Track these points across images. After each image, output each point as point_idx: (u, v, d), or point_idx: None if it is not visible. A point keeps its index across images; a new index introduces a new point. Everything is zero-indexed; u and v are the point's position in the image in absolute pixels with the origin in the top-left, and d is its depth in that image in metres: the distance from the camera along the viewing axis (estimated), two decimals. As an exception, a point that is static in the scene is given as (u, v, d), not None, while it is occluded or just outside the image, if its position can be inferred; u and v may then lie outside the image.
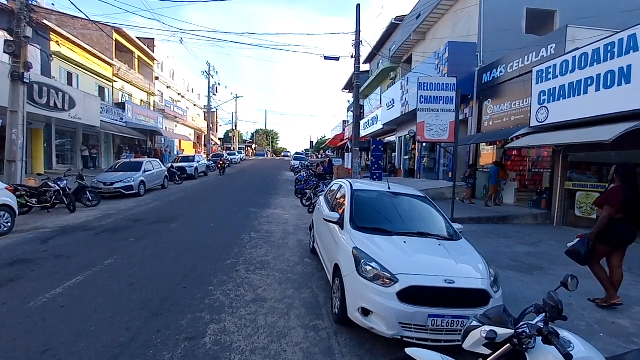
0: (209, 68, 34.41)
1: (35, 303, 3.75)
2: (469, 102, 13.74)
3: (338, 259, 3.70)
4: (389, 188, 4.67)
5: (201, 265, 5.23)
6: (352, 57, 12.90)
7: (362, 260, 3.24)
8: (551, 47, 10.25)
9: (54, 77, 16.71)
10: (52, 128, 17.33)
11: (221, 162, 23.18)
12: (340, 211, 4.62)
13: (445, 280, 2.96)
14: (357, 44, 12.55)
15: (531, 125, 9.69)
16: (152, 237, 6.83)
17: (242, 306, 3.89)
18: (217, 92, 36.67)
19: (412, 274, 3.02)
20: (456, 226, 4.26)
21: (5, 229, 6.73)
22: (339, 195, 5.08)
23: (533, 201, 11.16)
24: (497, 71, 12.48)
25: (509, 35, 13.17)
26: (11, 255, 5.45)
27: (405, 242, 3.54)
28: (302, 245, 6.68)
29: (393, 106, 18.95)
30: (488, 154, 13.86)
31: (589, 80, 7.91)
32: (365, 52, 23.46)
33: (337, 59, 13.07)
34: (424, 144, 17.83)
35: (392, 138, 23.89)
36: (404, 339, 2.91)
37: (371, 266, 3.18)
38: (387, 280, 3.03)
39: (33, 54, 14.22)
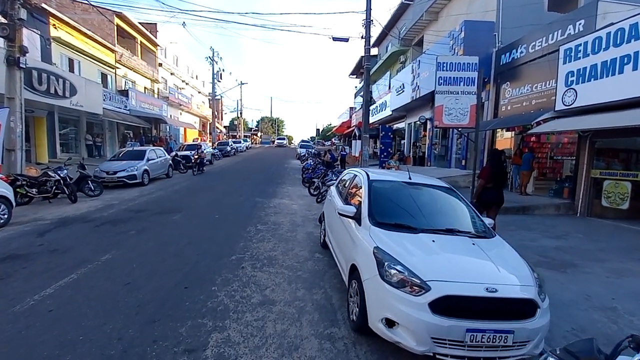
0: (213, 53, 33.66)
1: (21, 306, 3.41)
2: (485, 86, 12.99)
3: (355, 259, 3.27)
4: (410, 178, 4.18)
5: (204, 261, 4.85)
6: (362, 37, 12.18)
7: (386, 263, 2.80)
8: (579, 24, 9.47)
9: (55, 64, 16.28)
10: (55, 116, 17.01)
11: (197, 156, 16.23)
12: (354, 201, 4.18)
13: (487, 289, 2.51)
14: (368, 23, 11.81)
15: (556, 109, 9.03)
16: (154, 230, 6.48)
17: (248, 310, 3.50)
18: (221, 78, 35.99)
19: (447, 281, 2.57)
20: (486, 221, 3.78)
21: (2, 221, 6.43)
22: (352, 186, 4.62)
23: (554, 190, 10.58)
24: (517, 52, 11.71)
25: (530, 13, 12.32)
26: (5, 249, 5.14)
27: (433, 240, 3.08)
28: (311, 238, 6.28)
29: (403, 91, 18.22)
30: (505, 140, 13.21)
31: (626, 59, 7.21)
32: (374, 33, 22.39)
33: (346, 39, 12.37)
34: (435, 130, 17.18)
35: (401, 125, 23.18)
36: (437, 356, 2.49)
37: (396, 269, 2.74)
38: (416, 288, 2.59)
39: (32, 39, 13.80)
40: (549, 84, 10.20)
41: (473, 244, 3.15)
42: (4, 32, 8.97)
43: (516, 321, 2.51)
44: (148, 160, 12.96)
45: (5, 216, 6.53)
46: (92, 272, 4.32)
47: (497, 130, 12.80)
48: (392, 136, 22.02)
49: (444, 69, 7.04)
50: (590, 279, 4.66)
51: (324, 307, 3.65)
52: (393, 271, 2.75)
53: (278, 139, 56.44)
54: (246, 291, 3.94)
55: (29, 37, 13.63)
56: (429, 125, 17.73)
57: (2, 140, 8.54)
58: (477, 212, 3.93)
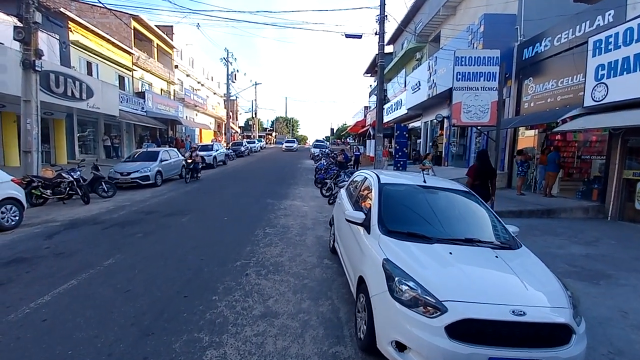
0: (227, 54, 33.89)
1: (16, 315, 3.30)
2: (507, 82, 12.37)
3: (363, 270, 2.98)
4: (424, 181, 3.85)
5: (208, 267, 4.67)
6: (375, 33, 11.80)
7: (396, 278, 2.50)
8: (609, 15, 8.81)
9: (74, 67, 16.66)
10: (73, 118, 17.43)
11: (190, 160, 13.83)
12: (364, 204, 3.88)
13: (513, 312, 2.18)
14: (382, 19, 11.42)
15: (585, 105, 8.42)
16: (161, 232, 6.37)
17: (248, 323, 3.27)
18: (235, 79, 36.21)
19: (466, 302, 2.25)
20: (510, 228, 3.41)
21: (13, 222, 6.47)
22: (363, 190, 4.32)
23: (581, 192, 9.92)
24: (540, 45, 11.06)
25: (554, 4, 11.62)
26: (11, 252, 5.12)
27: (451, 253, 2.76)
28: (320, 243, 6.01)
29: (419, 89, 17.70)
30: (527, 139, 12.54)
31: (664, 49, 6.59)
32: (389, 29, 21.77)
33: (360, 36, 12.02)
34: (453, 129, 16.59)
35: (417, 123, 22.61)
36: (454, 387, 2.18)
37: (408, 286, 2.44)
38: (430, 308, 2.28)
39: (51, 43, 14.13)
40: (576, 79, 9.56)
41: (496, 256, 2.81)
42: (19, 36, 9.11)
43: (547, 349, 2.17)
44: (161, 161, 13.02)
45: (17, 218, 6.57)
46: (93, 278, 4.21)
47: (519, 128, 12.18)
48: (407, 135, 21.46)
49: (463, 63, 6.60)
50: (627, 293, 4.19)
51: (330, 321, 3.38)
52: (404, 287, 2.45)
53: (287, 141, 40.74)
54: (248, 301, 3.72)
55: (48, 42, 13.98)
56: (446, 124, 17.15)
57: None
58: (499, 218, 3.56)
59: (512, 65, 11.95)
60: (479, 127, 7.38)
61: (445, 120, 16.89)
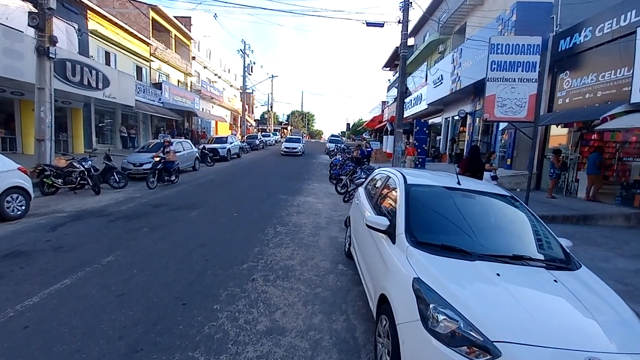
0: (244, 46, 33.60)
1: (-2, 318, 2.99)
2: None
3: (387, 288, 2.50)
4: (459, 182, 3.31)
5: (212, 269, 4.28)
6: (398, 22, 11.11)
7: (432, 305, 2.01)
8: (662, 1, 7.90)
9: (92, 56, 16.67)
10: (91, 108, 17.50)
11: (157, 159, 10.36)
12: (385, 204, 3.38)
13: (590, 361, 1.65)
14: (406, 5, 10.72)
15: (632, 101, 7.59)
16: (167, 228, 6.05)
17: (250, 341, 2.85)
18: (252, 71, 35.93)
19: (527, 345, 1.74)
20: (563, 242, 2.85)
21: (19, 212, 6.28)
22: (385, 190, 3.82)
23: (621, 197, 9.07)
24: (579, 36, 10.16)
25: (595, -8, 10.64)
26: (10, 245, 4.88)
27: (498, 274, 2.23)
28: (335, 245, 5.55)
29: (441, 83, 16.88)
30: (559, 137, 11.68)
31: None
32: (412, 18, 20.57)
33: (382, 24, 11.35)
34: (476, 125, 15.75)
35: (437, 119, 21.73)
36: None
37: (446, 316, 1.94)
38: (476, 350, 1.78)
39: (69, 32, 14.10)
40: (620, 73, 8.68)
41: (555, 280, 2.26)
42: (33, 22, 8.95)
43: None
44: (174, 153, 12.79)
45: (23, 207, 6.39)
46: (88, 278, 3.89)
47: (550, 126, 11.30)
48: (427, 131, 20.69)
49: (498, 51, 5.92)
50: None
51: (345, 343, 2.92)
52: (441, 317, 1.95)
53: (288, 140, 26.67)
54: (252, 313, 3.30)
55: (66, 31, 13.93)
56: (468, 120, 16.30)
57: None
58: (549, 229, 3.00)
59: (547, 57, 11.05)
60: (513, 124, 6.69)
61: (469, 116, 16.05)
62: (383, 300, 2.54)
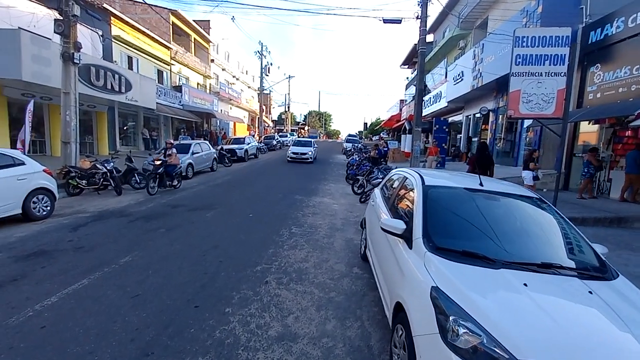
0: (262, 47, 33.89)
1: (17, 318, 3.06)
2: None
3: (403, 297, 2.36)
4: (481, 184, 3.11)
5: (226, 271, 4.26)
6: (417, 18, 10.82)
7: (452, 317, 1.86)
8: None
9: (116, 61, 17.23)
10: (115, 111, 18.09)
11: (158, 163, 9.58)
12: (404, 209, 3.23)
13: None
14: (425, 0, 10.42)
15: (672, 94, 7.03)
16: (184, 228, 6.10)
17: (262, 347, 2.78)
18: (269, 72, 36.21)
19: (559, 366, 1.56)
20: (597, 248, 2.62)
21: (44, 212, 6.51)
22: (401, 191, 3.66)
23: (660, 198, 8.44)
24: (611, 27, 9.54)
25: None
26: (34, 244, 5.04)
27: (525, 284, 2.05)
28: (350, 247, 5.42)
29: (462, 79, 16.37)
30: (589, 135, 11.03)
31: None
32: (431, 13, 20.05)
33: (399, 21, 11.09)
34: (499, 123, 15.18)
35: (457, 117, 21.13)
36: None
37: (467, 329, 1.79)
38: (501, 367, 1.62)
39: (94, 39, 14.61)
40: (658, 64, 8.09)
41: (589, 291, 2.06)
42: (59, 29, 9.29)
43: None
44: (193, 153, 13.04)
45: (48, 208, 6.61)
46: (105, 278, 3.94)
47: (579, 122, 10.69)
48: (447, 130, 20.18)
49: (524, 44, 5.58)
50: None
51: (359, 351, 2.80)
52: (462, 330, 1.80)
53: (296, 143, 21.51)
54: (264, 317, 3.23)
55: (91, 37, 14.46)
56: (491, 118, 15.73)
57: (28, 127, 9.94)
58: (581, 233, 2.76)
59: (576, 50, 10.47)
60: (540, 120, 6.31)
61: (491, 113, 15.49)
62: (399, 309, 2.40)
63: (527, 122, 12.28)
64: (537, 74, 5.69)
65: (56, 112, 14.17)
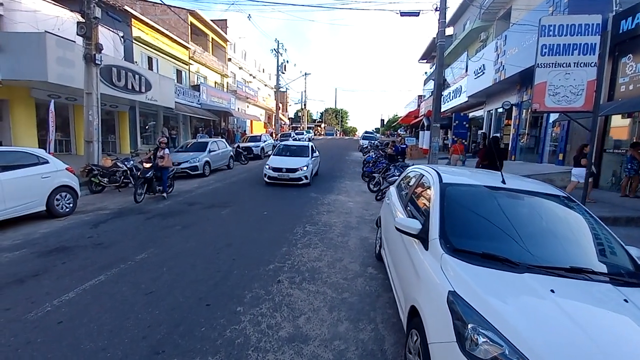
0: (278, 45, 33.97)
1: (36, 313, 3.13)
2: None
3: (418, 300, 2.24)
4: (503, 181, 2.93)
5: (238, 269, 4.24)
6: (436, 9, 10.47)
7: (470, 325, 1.73)
8: None
9: (136, 62, 17.67)
10: (136, 111, 18.57)
11: (149, 164, 8.46)
12: (420, 208, 3.09)
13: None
14: (444, -9, 10.06)
15: None
16: (199, 226, 6.15)
17: (272, 348, 2.72)
18: (285, 70, 36.26)
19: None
20: (633, 251, 2.40)
21: (67, 209, 6.72)
22: (418, 189, 3.52)
23: (701, 196, 7.84)
24: (646, 13, 8.93)
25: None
26: (56, 240, 5.20)
27: (552, 290, 1.89)
28: (365, 246, 5.31)
29: (483, 73, 15.80)
30: (619, 130, 10.40)
31: None
32: (450, 5, 19.46)
33: (417, 13, 10.77)
34: (523, 118, 14.56)
35: (478, 113, 20.44)
36: None
37: (487, 338, 1.66)
38: (525, 383, 1.48)
39: (115, 40, 15.03)
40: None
41: (625, 299, 1.88)
42: (81, 31, 9.57)
43: None
44: (210, 151, 13.20)
45: (71, 205, 6.83)
46: (121, 275, 4.00)
47: (610, 116, 10.08)
48: (467, 126, 19.57)
49: (550, 33, 5.22)
50: None
51: (372, 356, 2.69)
52: (481, 339, 1.67)
53: (280, 151, 11.95)
54: (276, 317, 3.17)
55: (113, 39, 14.87)
56: (514, 113, 15.12)
57: (53, 127, 10.14)
58: (614, 235, 2.55)
59: (607, 39, 9.86)
60: (567, 114, 5.93)
61: (514, 108, 14.88)
62: (414, 313, 2.28)
63: (552, 117, 11.71)
64: (564, 65, 5.34)
65: (80, 112, 14.64)
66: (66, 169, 6.84)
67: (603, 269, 2.22)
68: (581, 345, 1.57)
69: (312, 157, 11.51)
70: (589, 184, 6.20)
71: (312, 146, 12.47)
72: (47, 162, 6.51)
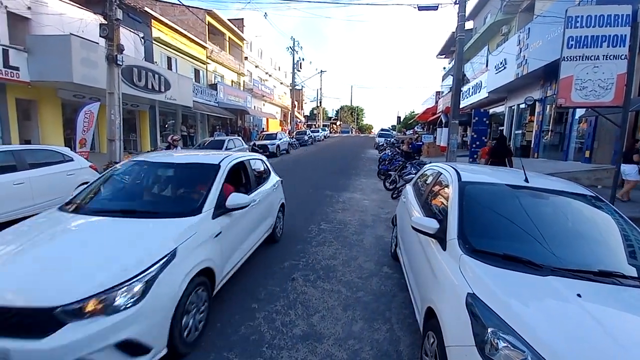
0: (294, 43, 34.03)
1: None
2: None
3: (434, 302, 2.18)
4: (526, 180, 2.81)
5: (254, 266, 4.27)
6: (455, 3, 10.16)
7: (490, 329, 1.67)
8: None
9: (156, 62, 18.10)
10: (155, 110, 19.05)
11: None
12: (437, 207, 3.01)
13: None
14: (463, -16, 9.77)
15: None
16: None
17: (286, 346, 2.72)
18: (301, 68, 36.31)
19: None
20: (668, 256, 2.24)
21: (91, 205, 6.95)
22: (435, 188, 3.43)
23: None
24: (684, 0, 8.37)
25: None
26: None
27: (579, 294, 1.79)
28: (380, 245, 5.24)
29: (504, 68, 15.31)
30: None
31: None
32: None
33: (435, 7, 10.51)
34: (547, 114, 14.03)
35: (499, 109, 19.86)
36: None
37: (508, 343, 1.59)
38: (549, 391, 1.41)
39: (136, 41, 15.44)
40: None
41: (659, 305, 1.76)
42: (104, 33, 9.85)
43: None
44: (226, 149, 13.38)
45: (94, 201, 7.05)
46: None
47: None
48: (487, 122, 18.99)
49: (577, 25, 4.96)
50: None
51: (387, 356, 2.65)
52: (502, 344, 1.60)
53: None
54: (290, 315, 3.18)
55: (134, 40, 15.28)
56: (537, 109, 14.58)
57: (94, 128, 10.16)
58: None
59: (638, 29, 9.32)
60: (595, 109, 5.63)
61: (537, 103, 14.35)
62: (431, 315, 2.22)
63: (579, 112, 11.22)
64: (592, 57, 5.07)
65: (103, 111, 15.16)
66: (89, 166, 7.07)
67: (634, 272, 2.09)
68: (608, 352, 1.48)
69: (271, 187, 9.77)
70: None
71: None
72: (71, 159, 6.75)
